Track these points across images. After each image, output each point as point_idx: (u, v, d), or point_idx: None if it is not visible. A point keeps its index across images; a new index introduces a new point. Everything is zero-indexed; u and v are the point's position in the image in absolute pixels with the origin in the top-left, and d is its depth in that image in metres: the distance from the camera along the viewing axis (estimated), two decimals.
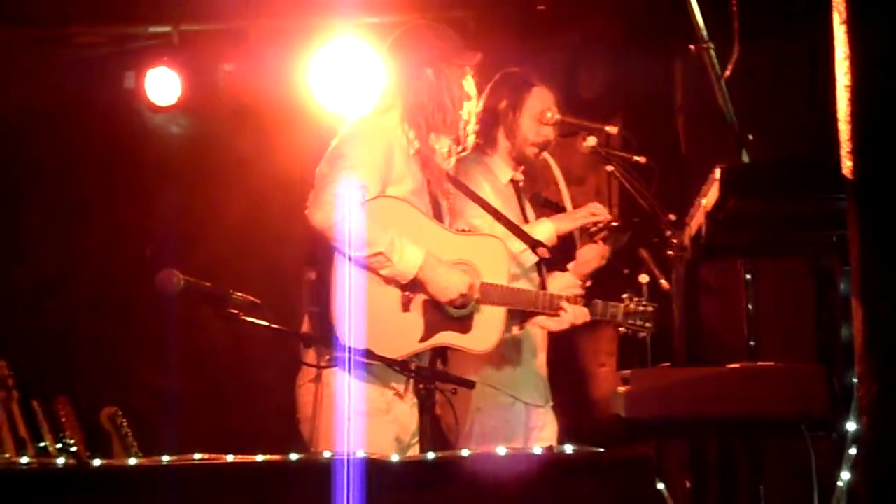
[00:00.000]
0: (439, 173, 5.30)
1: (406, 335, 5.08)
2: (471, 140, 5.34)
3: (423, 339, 5.11)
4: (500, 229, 5.51)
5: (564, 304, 5.35)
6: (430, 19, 5.67)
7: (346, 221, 4.92)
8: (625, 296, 5.44)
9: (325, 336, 4.92)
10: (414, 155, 5.23)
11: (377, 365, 4.89)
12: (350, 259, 4.96)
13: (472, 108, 5.32)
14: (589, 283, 5.65)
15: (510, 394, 5.73)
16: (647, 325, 5.43)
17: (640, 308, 5.42)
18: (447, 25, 5.43)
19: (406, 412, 5.13)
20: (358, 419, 4.83)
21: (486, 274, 5.21)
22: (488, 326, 5.22)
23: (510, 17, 7.28)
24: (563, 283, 5.60)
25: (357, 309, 4.95)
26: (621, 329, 5.48)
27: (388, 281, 5.05)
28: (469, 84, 5.31)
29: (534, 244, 5.58)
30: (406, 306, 5.08)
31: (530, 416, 5.80)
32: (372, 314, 4.98)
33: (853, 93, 3.40)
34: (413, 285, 5.07)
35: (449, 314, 5.14)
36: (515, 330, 5.62)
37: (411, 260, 5.02)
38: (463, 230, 5.34)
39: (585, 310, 5.39)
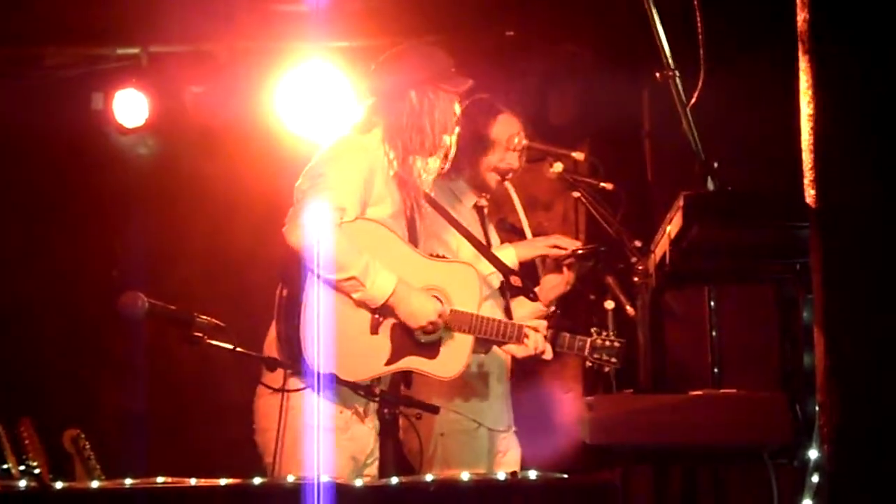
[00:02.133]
0: (417, 195, 5.30)
1: (372, 358, 5.08)
2: (447, 164, 5.35)
3: (388, 363, 5.10)
4: (471, 253, 5.53)
5: (530, 332, 5.36)
6: (399, 44, 5.66)
7: (320, 242, 4.92)
8: (593, 329, 5.44)
9: (291, 357, 4.91)
10: (393, 176, 5.23)
11: (337, 386, 4.88)
12: (321, 280, 4.97)
13: (451, 134, 5.32)
14: (553, 309, 5.66)
15: (473, 419, 5.73)
16: (613, 360, 5.43)
17: (608, 343, 5.42)
18: (440, 50, 5.42)
19: (365, 433, 5.13)
20: (310, 434, 4.82)
21: (457, 301, 5.22)
22: (455, 353, 5.22)
23: (480, 42, 7.29)
24: (530, 308, 5.61)
25: (325, 329, 4.95)
26: (587, 363, 5.48)
27: (359, 304, 5.05)
28: (455, 110, 5.32)
29: (507, 272, 5.59)
30: (375, 329, 5.08)
31: (494, 441, 5.81)
32: (340, 335, 4.98)
33: (815, 122, 3.42)
34: (383, 310, 5.07)
35: (417, 339, 5.14)
36: (481, 354, 5.62)
37: (383, 286, 5.03)
38: (437, 256, 5.35)
39: (546, 344, 5.40)
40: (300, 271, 4.99)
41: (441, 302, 5.18)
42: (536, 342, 5.37)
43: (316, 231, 4.93)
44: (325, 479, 3.89)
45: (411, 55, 5.36)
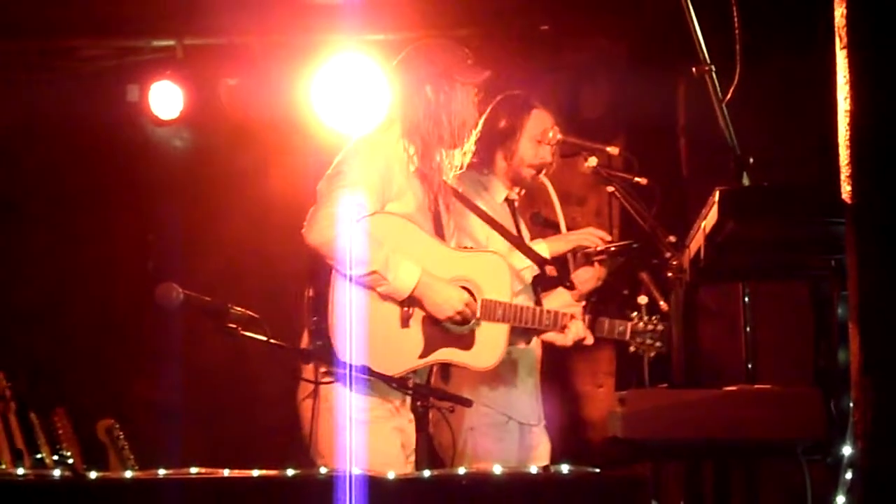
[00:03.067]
0: (440, 189, 5.31)
1: (405, 351, 5.09)
2: (467, 158, 5.35)
3: (422, 355, 5.12)
4: (503, 245, 5.53)
5: (566, 320, 5.38)
6: (433, 37, 5.67)
7: (339, 239, 4.94)
8: (633, 314, 5.45)
9: (324, 352, 4.92)
10: (415, 171, 5.24)
11: (373, 380, 4.89)
12: (345, 276, 4.98)
13: (472, 126, 5.33)
14: (584, 304, 5.66)
15: (503, 413, 5.73)
16: (658, 344, 5.44)
17: (650, 327, 5.44)
18: (456, 43, 5.43)
19: (407, 424, 5.14)
20: (360, 429, 4.81)
21: (488, 290, 5.22)
22: (491, 343, 5.23)
23: (514, 36, 7.30)
24: (561, 301, 5.61)
25: (355, 325, 4.96)
26: (631, 348, 5.48)
27: (386, 297, 5.06)
28: (474, 101, 5.32)
29: (542, 262, 5.59)
30: (405, 322, 5.09)
31: (524, 435, 5.81)
32: (371, 330, 4.99)
33: (852, 117, 3.41)
34: (410, 302, 5.08)
35: (450, 330, 5.15)
36: (522, 346, 5.63)
37: (407, 278, 5.04)
38: (464, 247, 5.36)
39: (587, 330, 5.41)
40: (325, 270, 5.02)
41: (470, 293, 5.18)
42: (577, 329, 5.37)
43: (334, 227, 4.95)
44: (357, 471, 3.90)
45: (425, 50, 5.37)
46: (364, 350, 4.95)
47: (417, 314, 5.11)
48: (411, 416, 5.07)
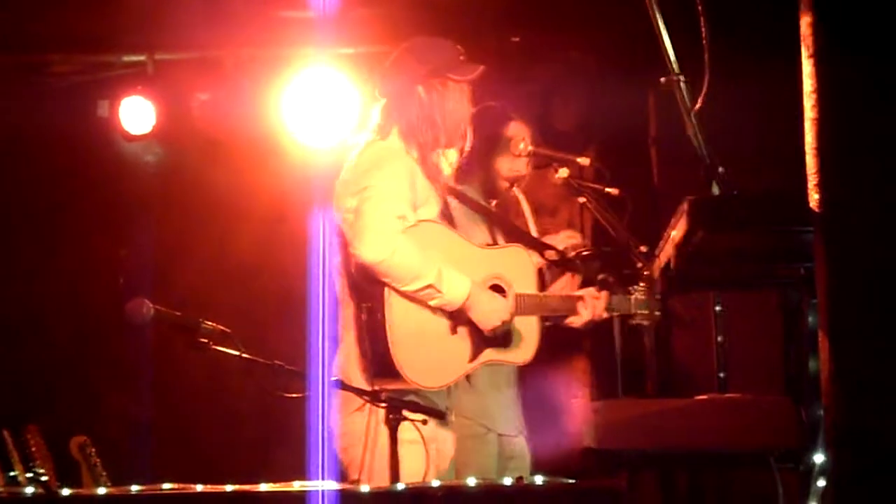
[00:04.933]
0: (444, 190, 5.32)
1: (456, 358, 5.15)
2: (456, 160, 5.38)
3: (471, 360, 5.18)
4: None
5: (588, 299, 5.43)
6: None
7: (395, 256, 4.93)
8: (632, 288, 5.48)
9: (381, 375, 4.93)
10: (427, 175, 5.25)
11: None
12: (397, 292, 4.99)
13: (468, 124, 5.35)
14: (597, 282, 5.66)
15: (483, 424, 5.73)
16: (656, 312, 5.47)
17: (645, 297, 5.48)
18: (446, 40, 5.41)
19: (442, 445, 5.16)
20: (407, 447, 4.76)
21: (517, 284, 5.28)
22: (526, 337, 5.31)
23: (486, 48, 7.30)
24: (561, 284, 5.64)
25: (412, 340, 5.02)
26: (631, 321, 5.51)
27: (436, 309, 5.09)
28: (468, 98, 5.32)
29: (542, 248, 5.60)
30: (454, 329, 5.14)
31: (504, 446, 5.81)
32: (424, 342, 5.05)
33: (819, 126, 3.42)
34: (458, 314, 5.11)
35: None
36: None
37: (459, 289, 5.06)
38: (487, 244, 5.43)
39: (602, 301, 5.44)
40: (375, 288, 5.01)
41: (502, 289, 5.23)
42: (595, 307, 5.42)
43: (387, 245, 4.94)
44: (330, 485, 3.89)
45: (416, 50, 5.34)
46: (419, 362, 5.00)
47: (463, 321, 5.15)
48: (448, 431, 5.16)
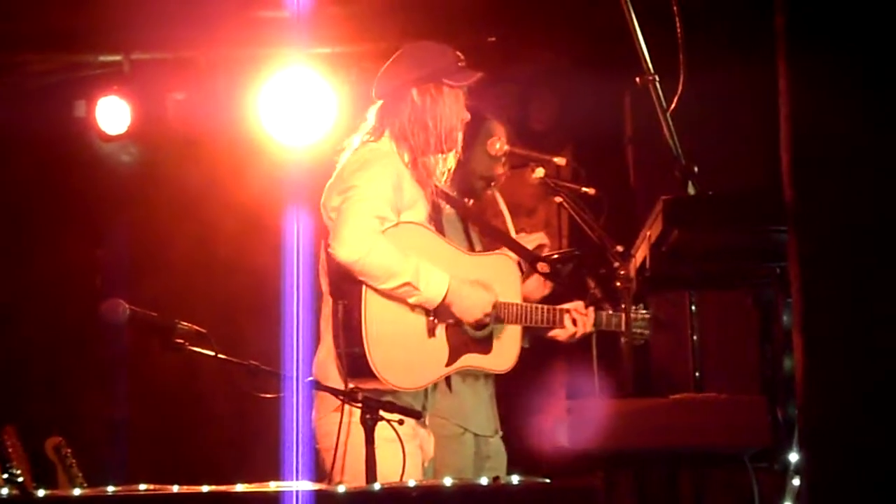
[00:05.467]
0: (434, 194, 5.31)
1: (432, 361, 5.14)
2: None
3: (448, 364, 5.17)
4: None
5: (576, 314, 5.44)
6: (380, 51, 5.66)
7: (371, 255, 4.93)
8: (624, 306, 5.50)
9: (355, 374, 4.92)
10: (417, 179, 5.24)
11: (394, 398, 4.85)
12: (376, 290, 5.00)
13: (460, 129, 5.32)
14: (586, 297, 5.67)
15: (459, 424, 5.73)
16: (646, 332, 5.55)
17: (639, 315, 5.53)
18: (447, 45, 5.39)
19: (425, 443, 5.19)
20: (389, 447, 4.75)
21: (501, 292, 5.29)
22: (507, 345, 5.32)
23: (461, 48, 7.29)
24: (534, 284, 5.64)
25: (389, 339, 5.02)
26: (623, 339, 5.53)
27: (415, 307, 5.08)
28: (462, 103, 5.31)
29: (532, 258, 5.60)
30: (432, 332, 5.12)
31: (480, 446, 5.81)
32: (401, 343, 5.05)
33: (793, 124, 3.43)
34: (439, 310, 5.10)
35: (471, 336, 5.21)
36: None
37: (437, 285, 5.06)
38: (475, 250, 5.43)
39: (590, 318, 5.47)
40: (353, 287, 5.01)
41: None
42: (583, 323, 5.45)
43: (364, 243, 4.94)
44: (306, 485, 3.89)
45: (414, 53, 5.33)
46: (395, 363, 5.00)
47: (442, 323, 5.14)
48: (428, 432, 5.17)
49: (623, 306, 5.45)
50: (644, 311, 5.55)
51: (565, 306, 5.48)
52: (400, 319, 5.07)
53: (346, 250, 4.95)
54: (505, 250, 5.51)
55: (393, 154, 5.22)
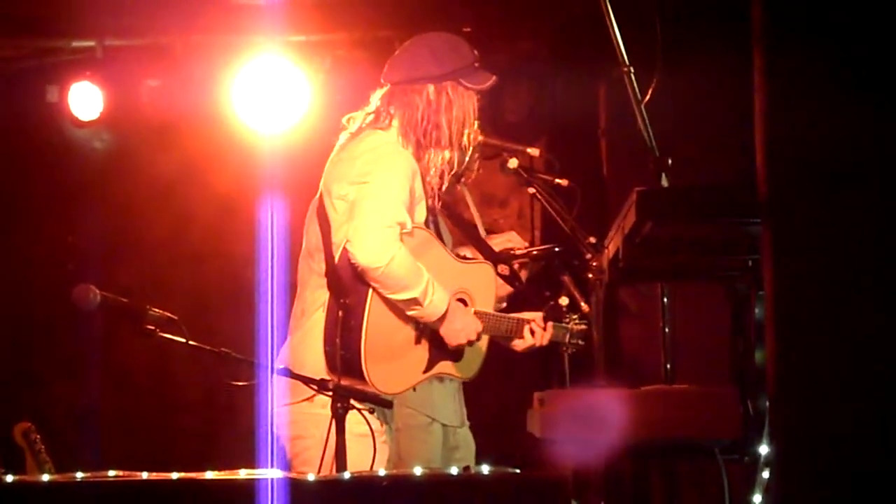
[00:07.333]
0: (433, 191, 5.28)
1: (413, 367, 5.16)
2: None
3: (426, 371, 5.19)
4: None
5: (534, 327, 5.44)
6: (355, 39, 5.64)
7: (392, 264, 4.90)
8: (567, 318, 5.53)
9: (346, 375, 4.91)
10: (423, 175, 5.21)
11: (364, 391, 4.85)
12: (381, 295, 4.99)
13: (469, 127, 5.27)
14: (504, 305, 5.68)
15: (427, 414, 5.73)
16: (581, 342, 5.59)
17: (579, 328, 5.58)
18: (464, 40, 5.33)
19: (389, 438, 5.21)
20: (359, 441, 4.74)
21: (479, 301, 5.31)
22: (475, 354, 5.33)
23: None
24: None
25: (385, 344, 5.02)
26: (564, 349, 5.57)
27: (409, 318, 5.08)
28: (475, 104, 5.27)
29: (495, 260, 5.59)
30: (419, 340, 5.14)
31: (448, 436, 5.81)
32: (392, 350, 5.06)
33: (767, 118, 3.44)
34: (430, 325, 5.13)
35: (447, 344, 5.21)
36: None
37: (439, 306, 5.05)
38: (463, 257, 5.41)
39: (548, 334, 5.49)
40: (360, 287, 4.98)
41: (465, 303, 5.24)
42: (542, 335, 5.45)
43: (387, 253, 4.89)
44: (276, 473, 3.89)
45: (433, 46, 5.23)
46: (382, 367, 4.99)
47: (427, 331, 5.15)
48: (392, 426, 5.21)
49: (567, 318, 5.51)
50: (580, 323, 5.58)
51: (525, 316, 5.48)
52: (396, 327, 5.06)
53: (370, 257, 4.89)
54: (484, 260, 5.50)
55: (403, 146, 5.14)
